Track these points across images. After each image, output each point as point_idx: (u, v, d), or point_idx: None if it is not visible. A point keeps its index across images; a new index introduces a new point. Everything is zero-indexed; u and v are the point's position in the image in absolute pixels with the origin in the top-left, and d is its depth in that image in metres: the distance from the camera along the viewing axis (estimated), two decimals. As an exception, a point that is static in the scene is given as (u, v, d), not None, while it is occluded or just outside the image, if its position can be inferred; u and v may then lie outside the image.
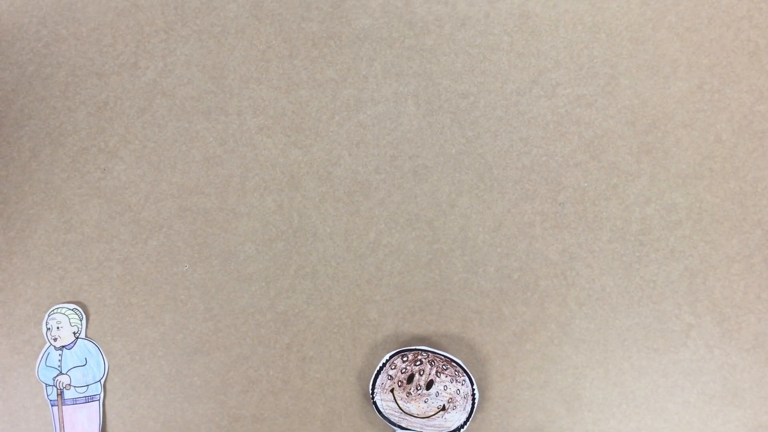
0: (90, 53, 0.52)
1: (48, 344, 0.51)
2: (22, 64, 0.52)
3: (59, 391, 0.51)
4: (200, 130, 0.52)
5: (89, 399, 0.51)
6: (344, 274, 0.52)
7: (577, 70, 0.51)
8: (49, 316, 0.51)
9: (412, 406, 0.49)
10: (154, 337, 0.52)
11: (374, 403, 0.49)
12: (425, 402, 0.49)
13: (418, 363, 0.49)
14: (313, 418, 0.51)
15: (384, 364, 0.49)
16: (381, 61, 0.51)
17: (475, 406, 0.49)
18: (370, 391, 0.49)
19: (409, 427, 0.49)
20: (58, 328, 0.50)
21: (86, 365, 0.51)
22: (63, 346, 0.51)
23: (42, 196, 0.52)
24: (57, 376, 0.51)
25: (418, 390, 0.49)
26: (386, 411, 0.49)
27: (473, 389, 0.49)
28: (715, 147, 0.51)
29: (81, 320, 0.51)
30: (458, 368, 0.49)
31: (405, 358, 0.49)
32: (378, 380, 0.49)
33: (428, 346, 0.50)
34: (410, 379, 0.49)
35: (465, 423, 0.49)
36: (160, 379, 0.52)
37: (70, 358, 0.51)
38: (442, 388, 0.49)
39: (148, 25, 0.52)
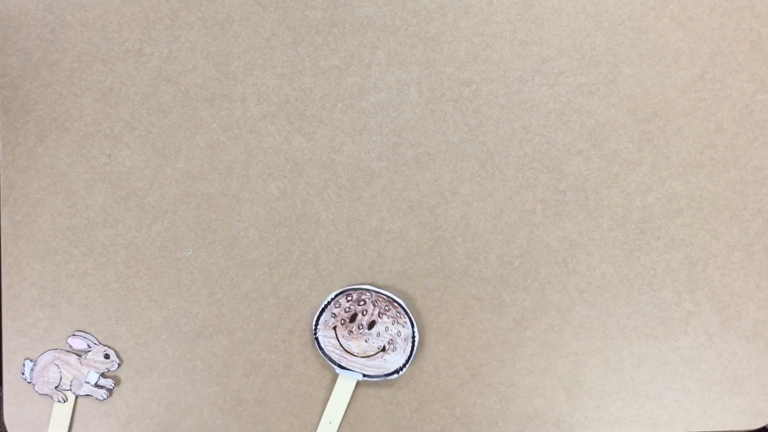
0: (96, 39, 0.52)
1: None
2: (28, 50, 0.52)
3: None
4: (204, 116, 0.52)
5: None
6: (346, 261, 0.52)
7: (579, 58, 0.51)
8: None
9: (353, 345, 0.50)
10: (158, 321, 0.52)
11: (316, 339, 0.50)
12: (366, 341, 0.50)
13: (362, 303, 0.50)
14: (314, 402, 0.52)
15: (328, 303, 0.50)
16: (384, 48, 0.52)
17: (415, 348, 0.50)
18: (313, 328, 0.50)
19: (349, 367, 0.50)
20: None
21: None
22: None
23: (47, 180, 0.52)
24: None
25: (360, 329, 0.50)
26: (327, 348, 0.50)
27: (413, 332, 0.50)
28: (716, 136, 0.51)
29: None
30: (400, 310, 0.50)
31: (349, 298, 0.50)
32: (321, 318, 0.50)
33: (372, 286, 0.51)
34: (353, 318, 0.50)
35: (404, 366, 0.50)
36: (164, 362, 0.52)
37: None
38: (384, 329, 0.50)
39: (153, 11, 0.52)
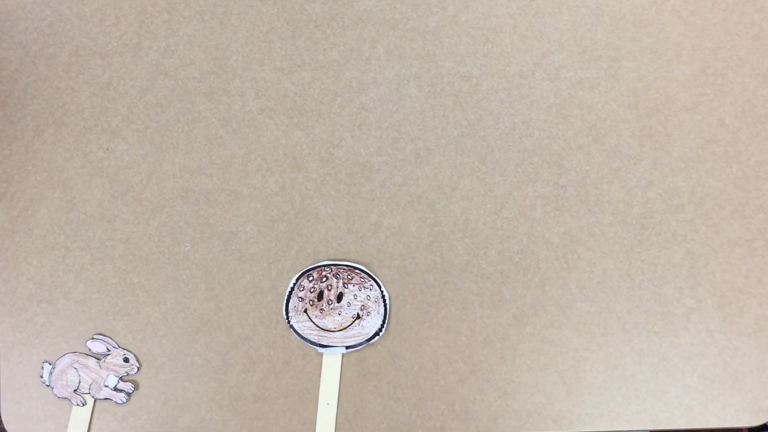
0: (93, 33, 0.52)
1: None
2: (26, 43, 0.52)
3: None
4: (203, 110, 0.52)
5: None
6: (345, 256, 0.52)
7: (580, 53, 0.51)
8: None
9: (328, 321, 0.50)
10: (156, 316, 0.52)
11: (291, 326, 0.50)
12: (339, 314, 0.50)
13: (325, 279, 0.50)
14: (313, 399, 0.51)
15: (292, 288, 0.50)
16: (384, 42, 0.51)
17: (388, 307, 0.50)
18: (285, 317, 0.50)
19: (330, 344, 0.50)
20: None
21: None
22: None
23: (45, 175, 0.52)
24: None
25: (330, 305, 0.50)
26: (305, 332, 0.50)
27: (382, 291, 0.50)
28: (717, 131, 0.51)
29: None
30: (363, 275, 0.50)
31: (311, 278, 0.50)
32: (290, 304, 0.50)
33: (328, 260, 0.51)
34: (320, 296, 0.50)
35: (382, 326, 0.50)
36: (162, 358, 0.52)
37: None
38: (353, 297, 0.50)
39: (151, 5, 0.52)
